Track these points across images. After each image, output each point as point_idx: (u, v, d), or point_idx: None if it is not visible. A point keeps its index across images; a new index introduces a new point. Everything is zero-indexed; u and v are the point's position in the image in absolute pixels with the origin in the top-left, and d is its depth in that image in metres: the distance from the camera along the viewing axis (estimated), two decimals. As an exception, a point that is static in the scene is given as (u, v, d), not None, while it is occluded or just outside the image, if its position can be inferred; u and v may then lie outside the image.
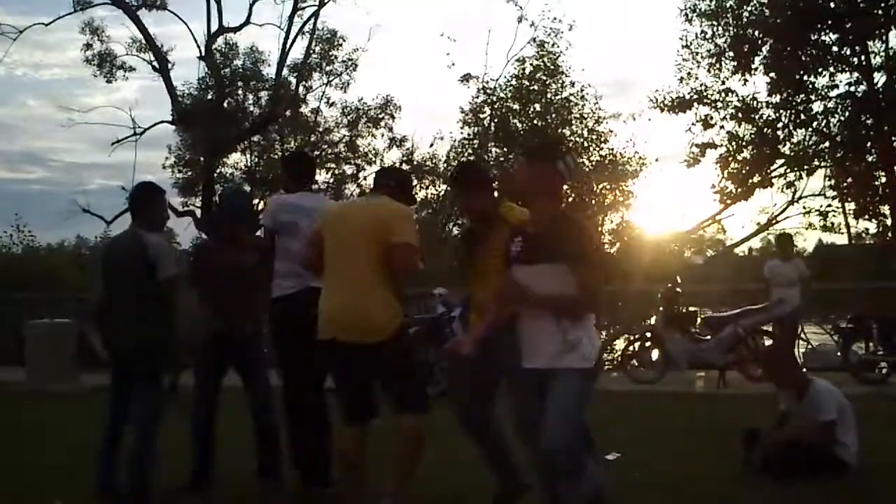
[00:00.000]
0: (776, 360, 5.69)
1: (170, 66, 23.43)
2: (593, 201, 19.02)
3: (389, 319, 4.02)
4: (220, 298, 5.02)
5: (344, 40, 24.04)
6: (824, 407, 5.09)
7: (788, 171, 19.58)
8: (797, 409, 5.22)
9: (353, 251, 4.03)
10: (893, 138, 17.52)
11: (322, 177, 23.42)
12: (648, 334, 10.25)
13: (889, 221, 18.26)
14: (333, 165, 23.66)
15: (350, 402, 4.14)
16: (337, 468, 4.55)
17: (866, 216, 18.68)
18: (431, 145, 21.45)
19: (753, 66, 18.77)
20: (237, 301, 4.90)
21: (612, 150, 19.28)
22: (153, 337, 4.52)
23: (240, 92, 24.06)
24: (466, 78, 20.39)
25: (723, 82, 19.66)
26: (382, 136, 23.61)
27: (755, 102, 19.30)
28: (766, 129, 18.99)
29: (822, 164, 19.05)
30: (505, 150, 19.56)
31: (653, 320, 10.94)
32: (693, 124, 20.18)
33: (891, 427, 6.42)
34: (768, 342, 9.85)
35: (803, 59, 17.84)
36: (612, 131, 19.46)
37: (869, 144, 17.79)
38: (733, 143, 19.58)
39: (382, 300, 4.00)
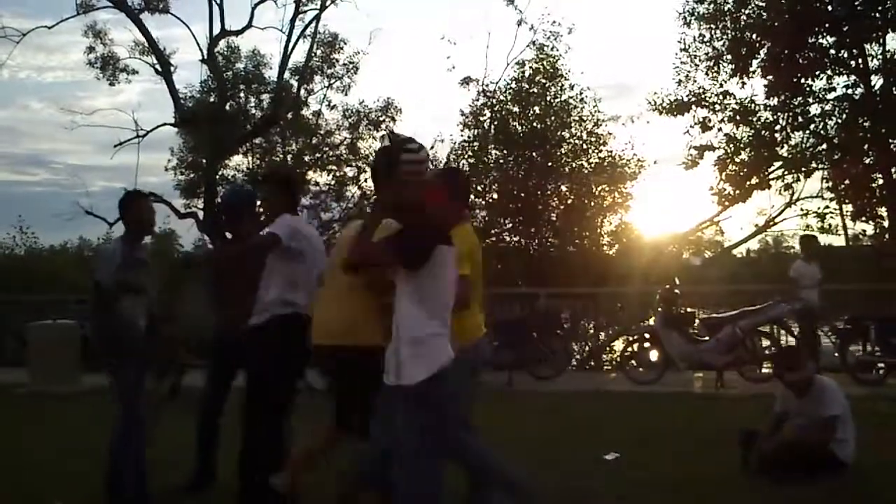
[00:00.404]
0: (790, 355, 5.71)
1: (172, 69, 23.48)
2: (592, 203, 19.07)
3: (346, 328, 3.98)
4: (221, 298, 5.09)
5: (345, 43, 24.11)
6: (829, 403, 5.13)
7: (786, 173, 19.60)
8: (797, 407, 5.27)
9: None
10: (890, 140, 17.54)
11: (323, 179, 23.53)
12: (647, 335, 10.31)
13: (886, 223, 18.31)
14: (335, 168, 23.69)
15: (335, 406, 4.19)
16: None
17: (864, 218, 18.70)
18: (432, 147, 21.48)
19: (751, 69, 18.80)
20: (236, 300, 4.80)
21: (611, 152, 19.31)
22: (107, 334, 4.70)
23: (241, 95, 24.10)
24: (466, 81, 20.45)
25: (721, 85, 19.68)
26: (383, 139, 23.64)
27: (753, 105, 19.32)
28: (763, 132, 19.02)
29: (820, 166, 19.09)
30: (505, 152, 19.61)
31: (651, 321, 11.00)
32: (691, 127, 20.21)
33: (888, 427, 6.49)
34: (766, 343, 9.92)
35: (801, 62, 17.85)
36: (610, 134, 19.50)
37: (866, 147, 17.80)
38: (731, 146, 19.60)
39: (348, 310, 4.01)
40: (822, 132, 18.76)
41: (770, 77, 18.32)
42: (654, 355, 10.23)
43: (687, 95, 19.97)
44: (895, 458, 5.49)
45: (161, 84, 23.57)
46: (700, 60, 19.67)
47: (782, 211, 20.74)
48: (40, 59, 46.06)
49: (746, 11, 18.71)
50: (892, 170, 17.58)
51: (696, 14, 19.51)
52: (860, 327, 9.76)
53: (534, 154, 18.90)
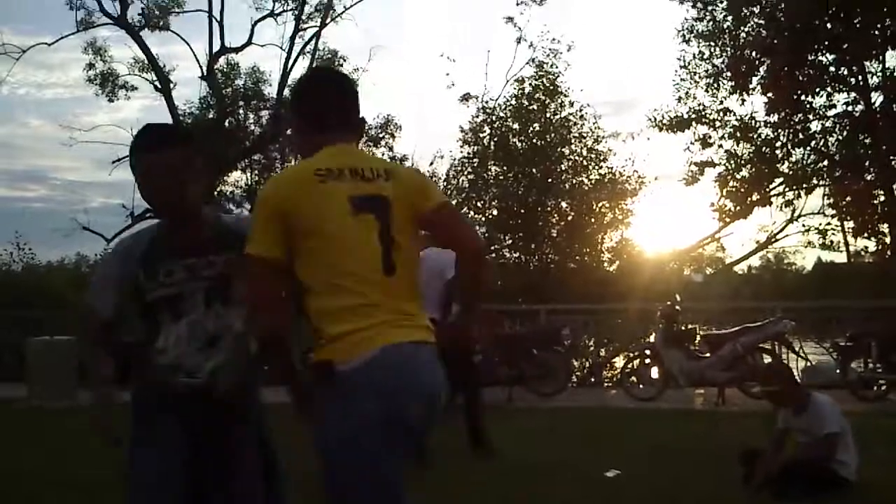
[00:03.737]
0: (775, 379, 5.65)
1: (172, 85, 23.58)
2: (592, 219, 19.06)
3: None
4: None
5: (345, 60, 24.24)
6: (829, 419, 5.07)
7: (787, 189, 19.65)
8: (797, 424, 5.20)
9: None
10: (891, 157, 17.58)
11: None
12: (648, 351, 10.26)
13: (888, 240, 18.29)
14: (334, 183, 23.71)
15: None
16: None
17: (865, 234, 18.71)
18: (431, 164, 21.51)
19: (751, 86, 18.89)
20: None
21: (612, 168, 19.31)
22: None
23: (241, 111, 24.14)
24: (466, 98, 20.51)
25: (721, 102, 19.80)
26: (383, 154, 23.68)
27: (753, 122, 19.41)
28: (764, 148, 19.07)
29: (821, 182, 19.15)
30: (504, 168, 19.62)
31: (652, 338, 10.94)
32: (692, 143, 20.31)
33: (890, 444, 6.43)
34: (767, 360, 9.86)
35: (801, 79, 17.93)
36: (611, 150, 19.52)
37: (867, 163, 17.86)
38: (732, 162, 19.67)
39: None
40: (822, 149, 18.81)
41: (770, 94, 18.39)
42: (654, 372, 10.18)
43: (687, 112, 20.07)
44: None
45: (160, 101, 23.70)
46: (700, 77, 19.79)
47: (783, 227, 20.85)
48: (40, 75, 46.33)
49: (746, 29, 18.82)
50: (893, 186, 17.60)
51: (695, 31, 19.64)
52: (861, 344, 9.69)
53: (534, 170, 18.90)
